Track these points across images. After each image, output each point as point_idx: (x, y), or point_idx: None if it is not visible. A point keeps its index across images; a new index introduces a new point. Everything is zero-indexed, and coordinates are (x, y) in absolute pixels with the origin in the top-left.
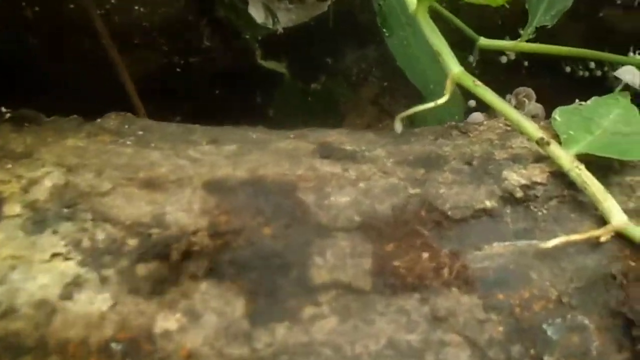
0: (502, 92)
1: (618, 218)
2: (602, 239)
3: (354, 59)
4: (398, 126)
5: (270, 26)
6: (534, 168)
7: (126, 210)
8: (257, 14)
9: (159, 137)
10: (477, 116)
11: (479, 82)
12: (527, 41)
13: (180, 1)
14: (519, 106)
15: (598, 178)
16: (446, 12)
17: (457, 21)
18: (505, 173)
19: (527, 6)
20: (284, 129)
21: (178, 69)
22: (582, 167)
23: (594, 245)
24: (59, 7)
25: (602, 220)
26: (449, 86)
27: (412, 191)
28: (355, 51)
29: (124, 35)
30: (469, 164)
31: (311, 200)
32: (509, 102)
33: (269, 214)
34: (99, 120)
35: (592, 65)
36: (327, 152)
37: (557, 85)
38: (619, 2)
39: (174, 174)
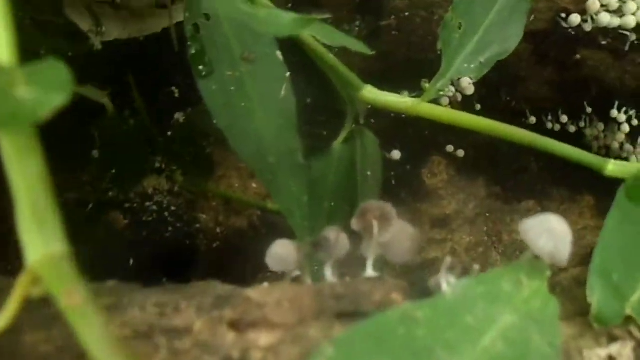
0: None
1: None
2: None
3: None
4: None
5: (94, 37)
6: None
7: None
8: (80, 19)
9: None
10: (279, 252)
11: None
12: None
13: None
14: (366, 234)
15: None
16: (326, 55)
17: (340, 67)
18: None
19: (439, 46)
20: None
21: None
22: None
23: None
24: None
25: None
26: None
27: None
28: None
29: None
30: None
31: None
32: (355, 224)
33: None
34: None
35: (564, 118)
36: None
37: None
38: (603, 43)
39: None
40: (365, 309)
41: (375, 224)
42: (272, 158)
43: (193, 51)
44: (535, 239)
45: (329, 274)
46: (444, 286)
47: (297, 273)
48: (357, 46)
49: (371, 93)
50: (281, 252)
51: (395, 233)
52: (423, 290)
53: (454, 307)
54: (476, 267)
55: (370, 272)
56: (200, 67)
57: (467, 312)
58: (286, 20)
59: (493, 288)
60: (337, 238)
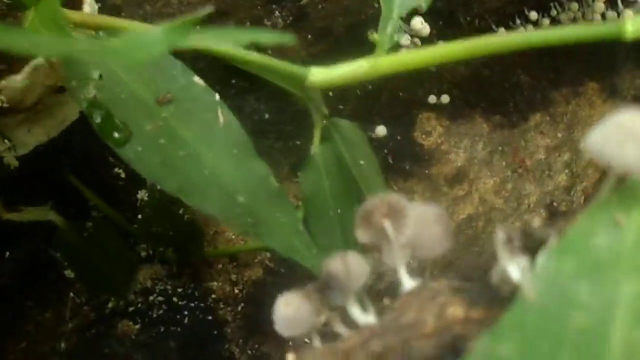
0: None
1: None
2: None
3: None
4: None
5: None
6: None
7: None
8: None
9: None
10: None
11: None
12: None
13: None
14: (382, 240)
15: None
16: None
17: (274, 62)
18: None
19: None
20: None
21: None
22: None
23: None
24: None
25: None
26: None
27: None
28: None
29: None
30: None
31: None
32: None
33: None
34: None
35: (533, 15)
36: None
37: None
38: None
39: None
40: (421, 352)
41: (387, 224)
42: (242, 197)
43: (98, 120)
44: (617, 151)
45: (356, 313)
46: (514, 275)
47: (322, 320)
48: (269, 37)
49: (319, 74)
50: (288, 313)
51: (417, 223)
52: (483, 280)
53: (548, 314)
54: (536, 222)
55: (408, 283)
56: (115, 135)
57: (570, 309)
58: (153, 39)
59: (585, 253)
60: (345, 268)
